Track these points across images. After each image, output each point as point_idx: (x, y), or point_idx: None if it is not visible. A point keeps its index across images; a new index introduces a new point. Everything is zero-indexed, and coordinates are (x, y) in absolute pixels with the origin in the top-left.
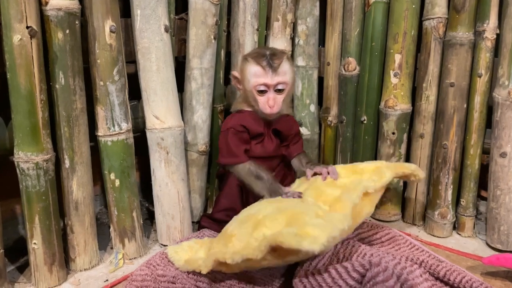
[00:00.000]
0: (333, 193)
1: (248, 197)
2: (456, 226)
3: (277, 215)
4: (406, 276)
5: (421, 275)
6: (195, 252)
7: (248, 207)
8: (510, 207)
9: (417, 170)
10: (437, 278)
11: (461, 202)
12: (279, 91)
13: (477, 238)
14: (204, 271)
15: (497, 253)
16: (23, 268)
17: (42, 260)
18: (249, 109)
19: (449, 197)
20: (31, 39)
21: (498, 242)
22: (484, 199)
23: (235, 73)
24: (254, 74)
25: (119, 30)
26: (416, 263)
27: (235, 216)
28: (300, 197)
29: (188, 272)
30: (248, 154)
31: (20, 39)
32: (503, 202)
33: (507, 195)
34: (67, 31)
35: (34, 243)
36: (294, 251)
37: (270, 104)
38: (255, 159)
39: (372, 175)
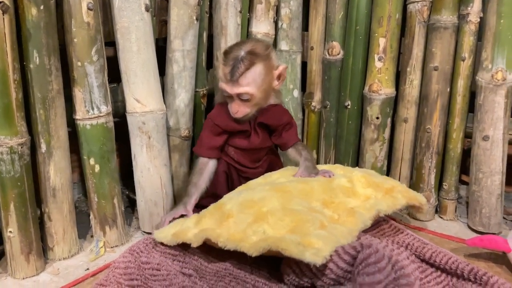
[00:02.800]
0: (347, 202)
1: (233, 183)
2: (438, 210)
3: (282, 217)
4: (396, 258)
5: (407, 257)
6: (181, 223)
7: (251, 188)
8: (492, 190)
9: (425, 205)
10: (422, 260)
11: (444, 186)
12: (244, 100)
13: (458, 221)
14: (194, 245)
15: (479, 235)
16: None
17: (19, 249)
18: None
19: (432, 181)
20: (3, 15)
21: (479, 224)
22: (464, 183)
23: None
24: (220, 78)
25: (96, 8)
26: (402, 246)
27: (234, 192)
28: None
29: (173, 259)
30: (227, 144)
31: None
32: (485, 185)
33: (489, 178)
34: (41, 7)
35: (10, 231)
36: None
37: (233, 111)
38: (240, 150)
39: (387, 199)
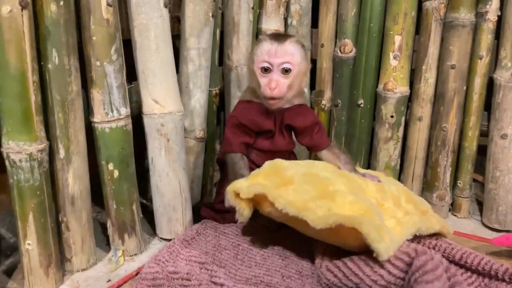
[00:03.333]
0: (394, 211)
1: None
2: (451, 208)
3: (352, 201)
4: (447, 264)
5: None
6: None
7: (307, 162)
8: (509, 188)
9: (450, 235)
10: (451, 262)
11: (458, 184)
12: (285, 72)
13: (472, 218)
14: (244, 195)
15: (504, 233)
16: (11, 271)
17: (38, 262)
18: (257, 100)
19: (448, 179)
20: (22, 11)
21: (496, 222)
22: (475, 181)
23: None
24: (260, 52)
25: (116, 4)
26: (429, 248)
27: (290, 162)
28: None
29: (201, 268)
30: (250, 146)
31: (10, 10)
32: (502, 183)
33: (506, 176)
34: (61, 3)
35: (28, 244)
36: (355, 238)
37: (272, 86)
38: (262, 153)
39: (425, 221)
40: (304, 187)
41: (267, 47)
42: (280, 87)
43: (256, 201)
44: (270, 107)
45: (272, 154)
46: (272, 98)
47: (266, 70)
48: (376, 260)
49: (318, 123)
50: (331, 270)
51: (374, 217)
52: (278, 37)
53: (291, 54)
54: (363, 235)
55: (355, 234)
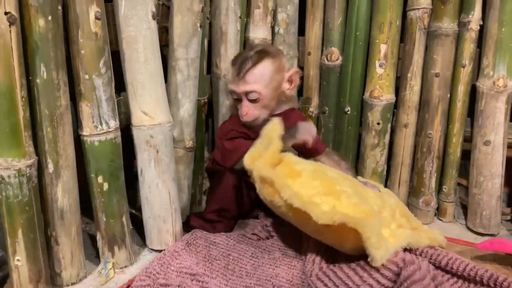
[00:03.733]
0: (390, 221)
1: (243, 198)
2: (437, 212)
3: (356, 203)
4: (434, 272)
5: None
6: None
7: (317, 163)
8: (493, 193)
9: (444, 245)
10: (437, 267)
11: (443, 189)
12: (253, 100)
13: (457, 223)
14: (254, 171)
15: (488, 238)
16: (1, 285)
17: (27, 278)
18: None
19: (433, 185)
20: (10, 27)
21: (480, 226)
22: (459, 184)
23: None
24: (229, 79)
25: (104, 17)
26: (415, 254)
27: (299, 158)
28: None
29: (192, 279)
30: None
31: None
32: (486, 188)
33: (489, 181)
34: (49, 18)
35: (18, 260)
36: (353, 240)
37: (242, 112)
38: None
39: (416, 235)
40: (311, 182)
41: (232, 76)
42: (250, 113)
43: (261, 187)
44: (250, 125)
45: None
46: (246, 122)
47: (237, 99)
48: (365, 270)
49: None
50: (321, 279)
51: (376, 223)
52: (241, 66)
53: (255, 82)
54: (363, 238)
55: (354, 236)
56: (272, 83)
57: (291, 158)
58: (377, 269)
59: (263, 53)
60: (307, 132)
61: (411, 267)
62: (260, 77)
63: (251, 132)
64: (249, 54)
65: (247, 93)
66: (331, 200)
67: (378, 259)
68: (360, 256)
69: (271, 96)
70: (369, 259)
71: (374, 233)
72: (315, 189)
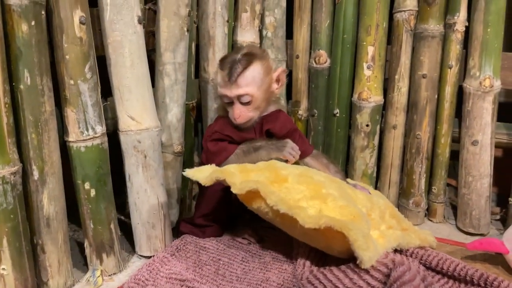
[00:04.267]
0: (379, 223)
1: (231, 201)
2: (427, 213)
3: (343, 206)
4: (424, 273)
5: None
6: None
7: (304, 167)
8: (481, 192)
9: (434, 245)
10: (428, 268)
11: (433, 190)
12: (245, 103)
13: (447, 223)
14: (235, 191)
15: (478, 238)
16: None
17: (13, 287)
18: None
19: (423, 186)
20: None
21: (470, 226)
22: (449, 185)
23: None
24: (219, 83)
25: (89, 22)
26: (406, 255)
27: (285, 164)
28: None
29: (181, 285)
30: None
31: None
32: (475, 188)
33: (478, 181)
34: (33, 23)
35: (3, 269)
36: (340, 243)
37: (235, 116)
38: None
39: (406, 236)
40: (297, 186)
41: (222, 82)
42: (243, 116)
43: (245, 196)
44: (241, 127)
45: None
46: (239, 124)
47: (228, 103)
48: (355, 272)
49: (297, 130)
50: (311, 282)
51: (363, 225)
52: (231, 70)
53: (247, 85)
54: (350, 240)
55: (342, 238)
56: (263, 85)
57: (277, 163)
58: (367, 271)
59: (251, 56)
60: (294, 152)
61: (401, 268)
62: (252, 80)
63: (236, 135)
64: (237, 57)
65: (239, 97)
66: (317, 203)
67: (367, 261)
68: (350, 258)
69: (262, 97)
70: (357, 261)
71: (360, 235)
72: (301, 193)
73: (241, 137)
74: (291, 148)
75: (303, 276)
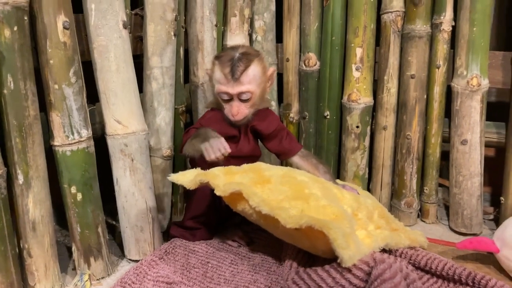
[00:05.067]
0: (366, 223)
1: (221, 203)
2: (420, 214)
3: (324, 205)
4: (406, 271)
5: (406, 267)
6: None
7: (288, 168)
8: (472, 192)
9: (426, 245)
10: (417, 268)
11: (425, 190)
12: (245, 100)
13: (440, 223)
14: (218, 192)
15: (468, 237)
16: None
17: None
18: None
19: (414, 186)
20: None
21: (462, 226)
22: (440, 185)
23: (208, 70)
24: (218, 81)
25: (73, 27)
26: (395, 255)
27: (269, 165)
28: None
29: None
30: None
31: None
32: (466, 188)
33: (469, 181)
34: (15, 28)
35: None
36: (323, 242)
37: (233, 113)
38: (228, 158)
39: (395, 236)
40: (280, 187)
41: (223, 80)
42: (241, 112)
43: (230, 198)
44: (236, 124)
45: (238, 160)
46: (236, 121)
47: (226, 99)
48: (338, 271)
49: (285, 129)
50: (296, 282)
51: (344, 223)
52: (233, 68)
53: (248, 82)
54: (330, 240)
55: (324, 238)
56: (261, 83)
57: (261, 165)
58: (349, 270)
59: (251, 55)
60: (212, 149)
61: (381, 265)
62: (253, 78)
63: (218, 129)
64: (236, 55)
65: (240, 94)
66: (299, 203)
67: (347, 259)
68: (335, 258)
69: (259, 95)
70: (338, 260)
71: (340, 234)
72: (284, 193)
73: (223, 133)
74: (213, 145)
75: (289, 277)
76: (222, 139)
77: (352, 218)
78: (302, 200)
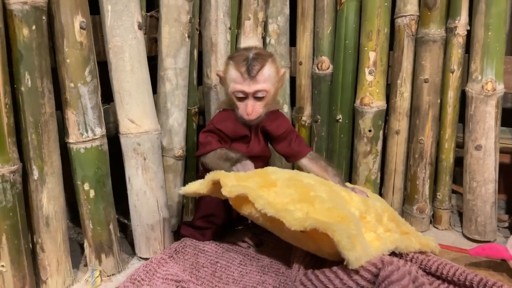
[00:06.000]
0: (375, 226)
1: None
2: (433, 220)
3: (330, 208)
4: (415, 274)
5: (416, 271)
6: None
7: (295, 171)
8: (486, 198)
9: (437, 250)
10: (428, 273)
11: (437, 196)
12: (259, 98)
13: (453, 230)
14: (225, 192)
15: (480, 244)
16: None
17: (12, 284)
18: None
19: (427, 192)
20: None
21: (475, 233)
22: (453, 192)
23: (220, 72)
24: (233, 80)
25: (89, 27)
26: (407, 260)
27: (276, 168)
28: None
29: (177, 286)
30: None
31: None
32: (480, 194)
33: (483, 187)
34: (33, 27)
35: (2, 266)
36: (329, 245)
37: (248, 111)
38: None
39: (405, 239)
40: (286, 190)
41: (239, 78)
42: (256, 111)
43: (237, 202)
44: (249, 123)
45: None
46: (250, 120)
47: (241, 98)
48: (345, 273)
49: (294, 131)
50: (304, 283)
51: (350, 226)
52: (250, 67)
53: (264, 81)
54: (335, 242)
55: (329, 240)
56: (275, 83)
57: (268, 169)
58: (356, 271)
59: (265, 55)
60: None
61: (389, 267)
62: (268, 77)
63: (230, 130)
64: (250, 55)
65: (256, 92)
66: (305, 206)
67: (353, 260)
68: (342, 260)
69: (273, 95)
70: (344, 262)
71: (345, 235)
72: (289, 196)
73: (235, 133)
74: (244, 168)
75: (297, 278)
76: (250, 163)
77: (359, 220)
78: (308, 202)
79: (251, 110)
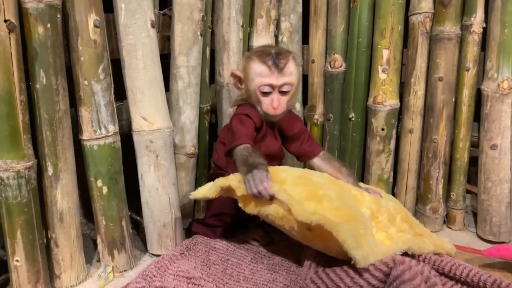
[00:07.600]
0: (387, 226)
1: None
2: (446, 220)
3: (338, 207)
4: (427, 274)
5: (429, 272)
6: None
7: (305, 169)
8: (501, 199)
9: (452, 252)
10: (441, 274)
11: (451, 196)
12: (284, 92)
13: (467, 230)
14: (239, 192)
15: (494, 245)
16: (3, 287)
17: (26, 279)
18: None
19: (440, 191)
20: (9, 34)
21: (490, 233)
22: (468, 192)
23: (236, 71)
24: (259, 74)
25: (103, 25)
26: (419, 260)
27: (285, 167)
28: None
29: (188, 282)
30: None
31: None
32: (494, 194)
33: (498, 187)
34: (48, 26)
35: (17, 260)
36: (336, 244)
37: (274, 105)
38: None
39: (418, 240)
40: (294, 188)
41: (267, 72)
42: (281, 105)
43: (246, 201)
44: (271, 119)
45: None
46: (275, 115)
47: (266, 93)
48: (356, 271)
49: (307, 131)
50: (314, 281)
51: (357, 225)
52: (276, 61)
53: (290, 74)
54: (340, 242)
55: (335, 239)
56: (298, 79)
57: (278, 167)
58: (367, 270)
59: (286, 51)
60: (252, 185)
61: (400, 267)
62: (293, 71)
63: (256, 121)
64: (273, 51)
65: (283, 85)
66: (312, 204)
67: (360, 259)
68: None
69: (296, 90)
70: (352, 262)
71: (350, 235)
72: (298, 194)
73: (259, 124)
74: (255, 181)
75: (307, 276)
76: (265, 173)
77: (367, 220)
78: (316, 201)
79: (277, 104)
